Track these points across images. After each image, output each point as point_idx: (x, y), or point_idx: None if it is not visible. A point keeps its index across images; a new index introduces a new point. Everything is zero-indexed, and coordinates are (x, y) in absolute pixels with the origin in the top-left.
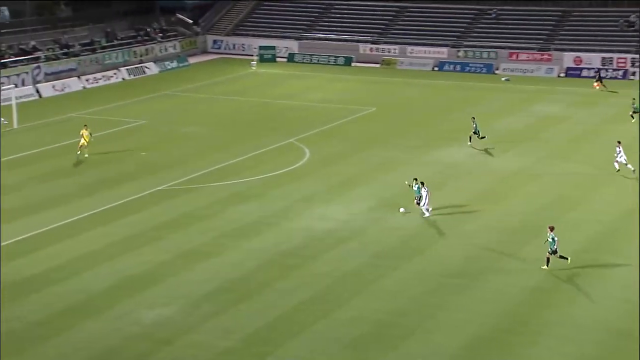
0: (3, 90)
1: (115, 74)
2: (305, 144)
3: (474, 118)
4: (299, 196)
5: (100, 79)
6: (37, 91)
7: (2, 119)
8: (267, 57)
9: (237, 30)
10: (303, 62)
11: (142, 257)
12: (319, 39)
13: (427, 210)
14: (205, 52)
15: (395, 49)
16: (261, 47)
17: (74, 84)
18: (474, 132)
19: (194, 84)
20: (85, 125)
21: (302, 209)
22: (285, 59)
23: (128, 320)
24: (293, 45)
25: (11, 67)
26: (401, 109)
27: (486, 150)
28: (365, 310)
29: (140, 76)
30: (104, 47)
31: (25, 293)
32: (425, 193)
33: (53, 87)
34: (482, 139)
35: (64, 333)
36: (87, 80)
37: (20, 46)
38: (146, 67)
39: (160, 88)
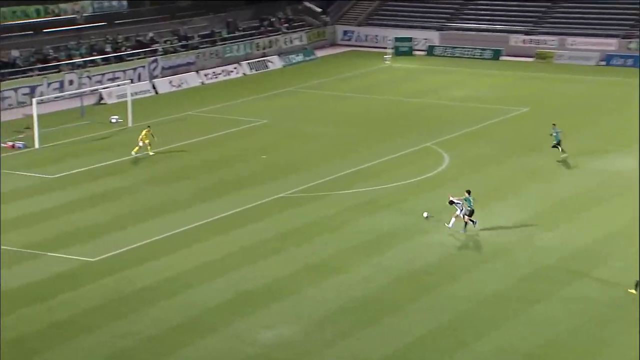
0: (119, 85)
1: (235, 68)
2: (444, 148)
3: (554, 125)
4: (436, 207)
5: (219, 74)
6: (154, 87)
7: (116, 117)
8: (404, 49)
9: (370, 20)
10: (444, 56)
11: (261, 270)
12: (463, 29)
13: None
14: (334, 44)
15: (552, 40)
16: (397, 39)
17: (191, 79)
18: (558, 143)
19: (321, 80)
20: (149, 127)
21: (440, 221)
22: (423, 52)
23: (245, 339)
24: (433, 37)
25: (128, 60)
26: (559, 110)
27: (565, 162)
28: (512, 341)
29: (262, 71)
30: (224, 39)
31: (138, 306)
32: (460, 206)
33: (170, 82)
34: (563, 154)
35: (177, 351)
36: (205, 75)
37: (138, 38)
38: (269, 61)
39: (284, 84)
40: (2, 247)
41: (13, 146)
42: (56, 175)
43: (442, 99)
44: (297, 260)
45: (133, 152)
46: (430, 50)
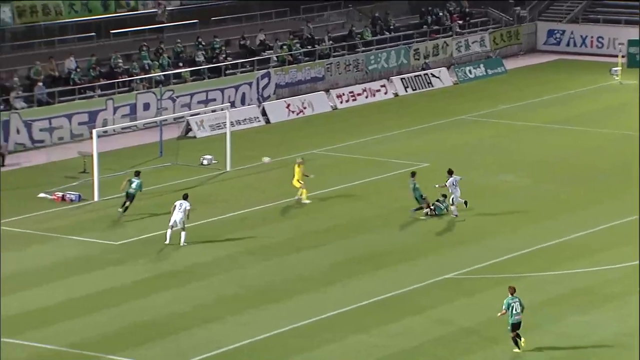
0: (214, 111)
1: (383, 86)
2: None
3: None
4: None
5: (360, 94)
6: (264, 113)
7: (209, 157)
8: None
9: (589, 13)
10: None
11: None
12: None
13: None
14: (533, 50)
15: None
16: (632, 42)
17: (318, 103)
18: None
19: (512, 104)
20: (301, 161)
21: None
22: None
23: None
24: None
25: (228, 74)
26: None
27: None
28: None
29: (424, 90)
30: (367, 44)
31: None
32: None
33: (287, 106)
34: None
35: None
36: (339, 96)
37: (242, 41)
38: (434, 76)
39: (456, 110)
40: (38, 345)
41: (63, 198)
42: (122, 242)
43: None
44: None
45: (304, 198)
46: None
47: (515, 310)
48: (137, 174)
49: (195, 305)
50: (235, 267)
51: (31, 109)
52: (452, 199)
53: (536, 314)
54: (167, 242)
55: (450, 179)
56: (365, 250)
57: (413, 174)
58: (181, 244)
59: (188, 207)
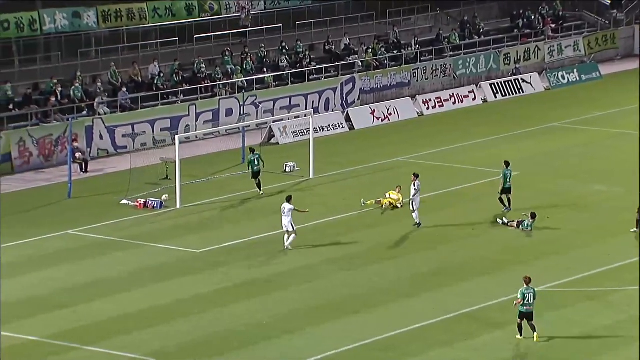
0: (297, 117)
1: (472, 91)
2: None
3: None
4: None
5: (447, 100)
6: (348, 119)
7: (291, 164)
8: None
9: None
10: None
11: None
12: None
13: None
14: (630, 55)
15: None
16: None
17: (404, 109)
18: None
19: (608, 111)
20: (399, 187)
21: None
22: None
23: None
24: None
25: (312, 79)
26: None
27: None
28: None
29: (514, 96)
30: (456, 48)
31: None
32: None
33: (372, 112)
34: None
35: None
36: (425, 102)
37: (327, 46)
38: (525, 81)
39: (547, 116)
40: (118, 353)
41: (145, 205)
42: (203, 250)
43: None
44: None
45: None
46: None
47: (528, 300)
48: (252, 150)
49: (275, 315)
50: (316, 277)
51: (114, 114)
52: (412, 204)
53: (624, 329)
54: (285, 245)
55: (417, 182)
56: (449, 262)
57: (507, 163)
58: (285, 246)
59: (289, 209)
